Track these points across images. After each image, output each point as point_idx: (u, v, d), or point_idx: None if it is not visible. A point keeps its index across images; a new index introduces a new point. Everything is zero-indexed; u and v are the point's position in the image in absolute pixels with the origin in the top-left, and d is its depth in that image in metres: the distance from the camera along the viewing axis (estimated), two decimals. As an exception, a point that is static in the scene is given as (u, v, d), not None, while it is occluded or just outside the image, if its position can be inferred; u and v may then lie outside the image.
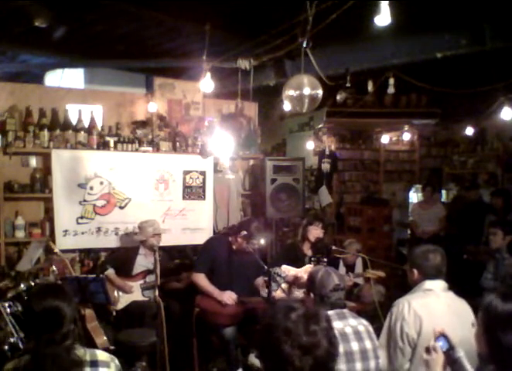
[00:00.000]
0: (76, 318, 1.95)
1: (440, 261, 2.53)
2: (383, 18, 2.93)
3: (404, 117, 7.62)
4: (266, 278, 3.37)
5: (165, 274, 4.14)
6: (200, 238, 4.60)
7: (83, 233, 4.66)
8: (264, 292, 4.02)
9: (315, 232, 4.35)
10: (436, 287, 2.49)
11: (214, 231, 5.26)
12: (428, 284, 2.50)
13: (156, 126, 5.29)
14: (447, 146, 8.90)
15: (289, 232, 5.94)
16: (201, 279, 3.91)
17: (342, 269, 4.65)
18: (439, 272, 2.52)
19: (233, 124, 5.43)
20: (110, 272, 4.20)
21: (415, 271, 2.57)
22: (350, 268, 4.77)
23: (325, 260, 4.01)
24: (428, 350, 1.92)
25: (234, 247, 3.95)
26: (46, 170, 4.65)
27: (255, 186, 5.77)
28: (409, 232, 7.70)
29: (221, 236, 4.37)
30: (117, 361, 1.99)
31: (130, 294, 4.20)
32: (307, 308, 1.46)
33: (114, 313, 4.07)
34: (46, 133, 4.57)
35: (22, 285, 3.42)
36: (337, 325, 2.25)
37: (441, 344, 1.91)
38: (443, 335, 1.92)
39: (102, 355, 1.95)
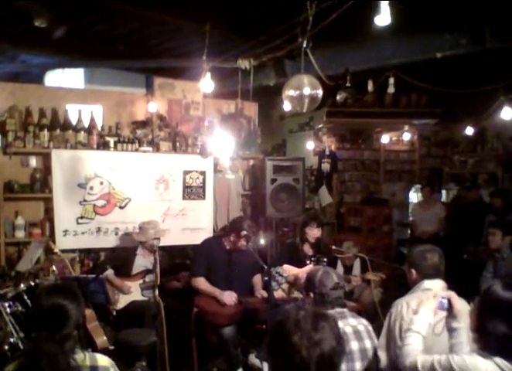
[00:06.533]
0: (80, 324, 1.93)
1: (438, 261, 2.52)
2: (383, 18, 2.94)
3: (404, 117, 7.63)
4: (266, 278, 3.36)
5: (164, 274, 4.13)
6: (200, 238, 4.59)
7: (83, 233, 4.66)
8: (259, 290, 4.03)
9: (312, 232, 4.36)
10: (435, 287, 2.48)
11: (214, 231, 5.26)
12: (427, 283, 2.49)
13: (156, 126, 5.28)
14: (447, 146, 8.90)
15: (289, 232, 5.95)
16: (201, 283, 3.91)
17: (340, 269, 4.65)
18: (438, 271, 2.52)
19: (233, 124, 5.42)
20: (109, 272, 4.19)
21: (413, 271, 2.56)
22: (348, 269, 4.77)
23: (325, 260, 4.02)
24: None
25: (228, 248, 3.95)
26: (46, 170, 4.65)
27: (255, 186, 5.77)
28: (409, 232, 7.70)
29: (214, 237, 4.37)
30: (116, 366, 1.97)
31: (128, 294, 4.20)
32: (316, 309, 1.51)
33: (114, 313, 4.07)
34: (46, 133, 4.57)
35: (22, 285, 3.42)
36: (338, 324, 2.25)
37: (445, 301, 2.11)
38: (445, 298, 2.12)
39: (102, 361, 1.92)
